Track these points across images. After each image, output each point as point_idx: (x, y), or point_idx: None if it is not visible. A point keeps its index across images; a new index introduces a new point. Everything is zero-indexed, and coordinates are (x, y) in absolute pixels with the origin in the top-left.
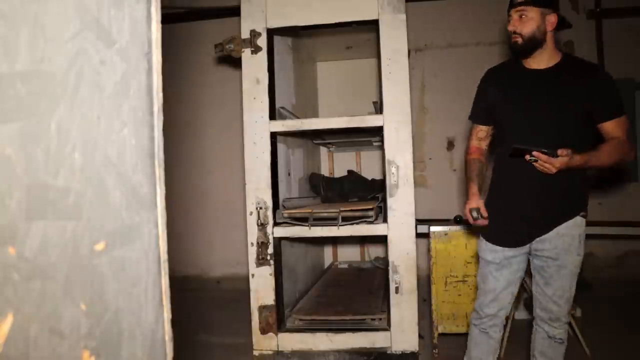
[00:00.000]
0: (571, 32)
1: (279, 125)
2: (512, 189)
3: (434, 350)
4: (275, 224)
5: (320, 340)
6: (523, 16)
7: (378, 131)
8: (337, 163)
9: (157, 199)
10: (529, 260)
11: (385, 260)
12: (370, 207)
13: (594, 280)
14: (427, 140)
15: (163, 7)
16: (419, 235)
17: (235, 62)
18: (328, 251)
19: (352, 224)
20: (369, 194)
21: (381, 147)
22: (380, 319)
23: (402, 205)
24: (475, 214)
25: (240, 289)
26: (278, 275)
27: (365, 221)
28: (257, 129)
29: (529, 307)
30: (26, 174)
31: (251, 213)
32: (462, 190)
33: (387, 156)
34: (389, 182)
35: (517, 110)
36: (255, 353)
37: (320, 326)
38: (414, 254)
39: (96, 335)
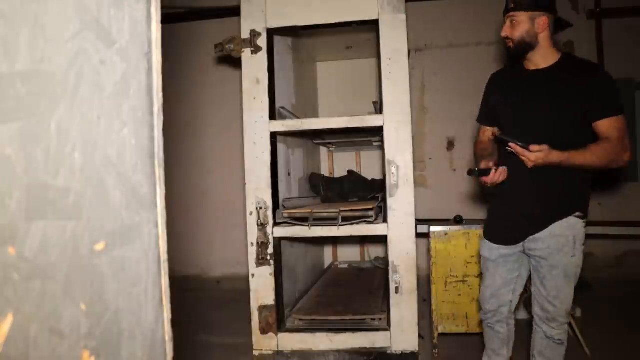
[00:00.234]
0: (571, 32)
1: (279, 125)
2: (509, 188)
3: (434, 350)
4: (275, 224)
5: (320, 340)
6: (513, 21)
7: (378, 131)
8: (337, 163)
9: (157, 199)
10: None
11: (385, 260)
12: (370, 207)
13: (593, 280)
14: (427, 140)
15: (163, 7)
16: (419, 235)
17: (235, 62)
18: (328, 251)
19: (352, 224)
20: (369, 194)
21: (381, 147)
22: (380, 319)
23: (402, 205)
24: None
25: (240, 289)
26: (278, 275)
27: (365, 221)
28: (257, 129)
29: (529, 307)
30: (26, 174)
31: (251, 213)
32: (462, 190)
33: (387, 156)
34: (389, 182)
35: (516, 110)
36: (255, 353)
37: (320, 326)
38: (414, 254)
39: (96, 335)
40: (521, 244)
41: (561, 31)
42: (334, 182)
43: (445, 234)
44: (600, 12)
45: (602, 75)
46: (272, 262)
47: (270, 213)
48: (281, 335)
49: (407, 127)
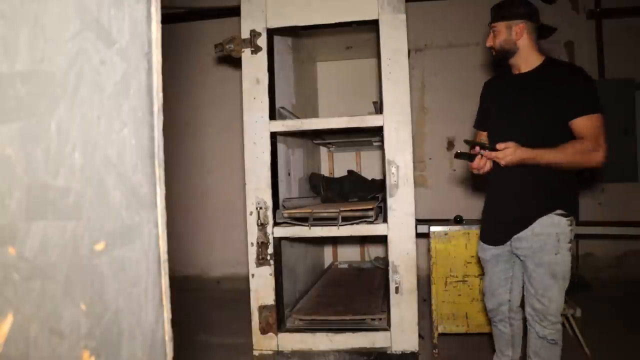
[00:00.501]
0: (571, 32)
1: (279, 125)
2: (494, 189)
3: (434, 350)
4: (275, 224)
5: (320, 340)
6: (494, 31)
7: (378, 131)
8: (337, 163)
9: (157, 199)
10: None
11: (385, 260)
12: (370, 207)
13: (593, 280)
14: (427, 140)
15: (163, 7)
16: (419, 235)
17: (235, 62)
18: (328, 251)
19: (352, 224)
20: (369, 194)
21: (381, 147)
22: (380, 319)
23: (402, 205)
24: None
25: (240, 289)
26: (278, 275)
27: (365, 221)
28: (257, 129)
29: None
30: (26, 174)
31: (251, 213)
32: (462, 190)
33: (387, 156)
34: (389, 182)
35: (499, 111)
36: (255, 353)
37: (320, 326)
38: (414, 254)
39: (96, 335)
40: (508, 243)
41: (546, 37)
42: (334, 182)
43: (445, 234)
44: (600, 12)
45: (579, 76)
46: (272, 262)
47: (270, 213)
48: (281, 335)
49: (407, 127)
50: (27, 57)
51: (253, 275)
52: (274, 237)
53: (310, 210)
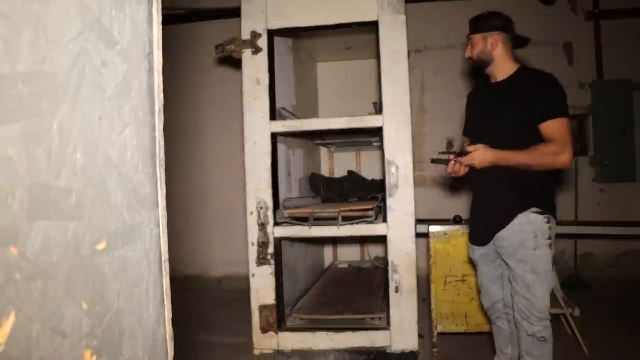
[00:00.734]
0: (570, 33)
1: (279, 126)
2: (476, 191)
3: (433, 350)
4: (276, 223)
5: (320, 340)
6: (472, 43)
7: (378, 131)
8: (337, 163)
9: (158, 199)
10: None
11: (385, 260)
12: (370, 207)
13: (593, 280)
14: (426, 140)
15: (164, 8)
16: (418, 235)
17: (235, 63)
18: (328, 251)
19: (352, 223)
20: (369, 194)
21: (381, 147)
22: (380, 318)
23: (401, 205)
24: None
25: (241, 288)
26: (278, 274)
27: (365, 221)
28: (258, 129)
29: None
30: (28, 174)
31: (252, 213)
32: (462, 191)
33: (387, 156)
34: (389, 182)
35: (477, 118)
36: (256, 352)
37: (321, 325)
38: (413, 254)
39: (97, 334)
40: (492, 243)
41: (522, 47)
42: (334, 182)
43: (445, 234)
44: (598, 13)
45: (547, 82)
46: (272, 261)
47: (270, 213)
48: (281, 334)
49: (406, 127)
50: (28, 58)
51: (253, 274)
52: (274, 237)
53: (310, 210)
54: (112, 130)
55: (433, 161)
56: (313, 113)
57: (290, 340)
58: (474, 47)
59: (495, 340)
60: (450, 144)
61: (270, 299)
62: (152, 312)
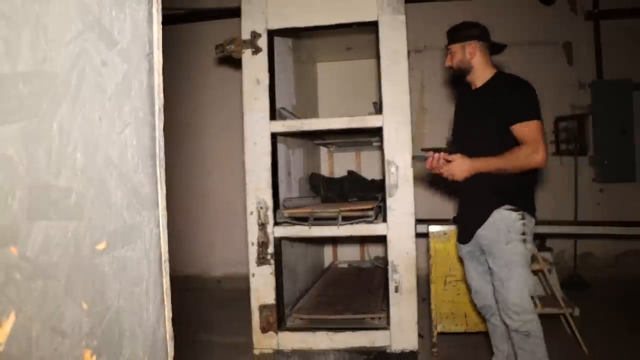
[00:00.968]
0: (569, 33)
1: (279, 126)
2: (460, 192)
3: (433, 349)
4: (276, 223)
5: (320, 339)
6: (451, 53)
7: (378, 131)
8: (337, 163)
9: (158, 199)
10: None
11: (384, 260)
12: (370, 207)
13: (592, 280)
14: (426, 140)
15: (164, 9)
16: (418, 235)
17: (235, 63)
18: (328, 251)
19: (352, 223)
20: (369, 194)
21: (381, 147)
22: (380, 318)
23: (401, 205)
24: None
25: (241, 288)
26: (278, 274)
27: (365, 221)
28: (258, 129)
29: None
30: (28, 174)
31: (252, 213)
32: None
33: (387, 156)
34: (389, 182)
35: (458, 123)
36: (256, 352)
37: (321, 325)
38: (413, 254)
39: (98, 334)
40: (475, 240)
41: (498, 53)
42: (334, 182)
43: (445, 234)
44: (598, 13)
45: (519, 87)
46: (272, 261)
47: (270, 213)
48: (281, 334)
49: (406, 127)
50: (29, 58)
51: (253, 274)
52: (274, 237)
53: (310, 210)
54: (112, 131)
55: (414, 158)
56: (313, 113)
57: (290, 340)
58: (454, 57)
59: (491, 337)
60: (450, 144)
61: (270, 298)
62: (152, 312)
